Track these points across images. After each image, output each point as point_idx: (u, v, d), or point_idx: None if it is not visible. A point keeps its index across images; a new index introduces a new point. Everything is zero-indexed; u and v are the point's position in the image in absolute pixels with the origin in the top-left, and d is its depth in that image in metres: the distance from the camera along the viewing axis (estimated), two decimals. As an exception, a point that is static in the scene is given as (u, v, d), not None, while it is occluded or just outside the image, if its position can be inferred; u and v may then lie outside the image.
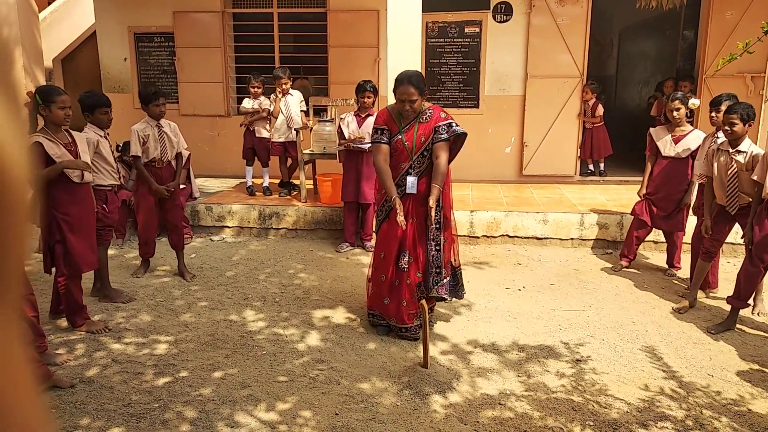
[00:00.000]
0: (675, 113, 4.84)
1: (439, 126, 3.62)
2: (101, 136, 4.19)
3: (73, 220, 3.73)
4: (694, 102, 4.91)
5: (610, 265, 5.33)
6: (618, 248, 5.77)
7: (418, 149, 3.61)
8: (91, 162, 4.05)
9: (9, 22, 6.14)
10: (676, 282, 4.91)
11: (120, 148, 5.74)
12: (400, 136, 3.63)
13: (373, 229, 3.97)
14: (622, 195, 6.92)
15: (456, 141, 3.71)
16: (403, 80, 3.56)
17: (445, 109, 3.85)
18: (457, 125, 3.67)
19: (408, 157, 3.62)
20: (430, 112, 3.67)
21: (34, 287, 3.78)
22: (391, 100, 4.08)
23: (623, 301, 4.51)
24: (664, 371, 3.42)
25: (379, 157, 3.66)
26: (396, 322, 3.70)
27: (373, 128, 3.75)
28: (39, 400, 0.43)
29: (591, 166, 8.11)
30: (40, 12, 6.84)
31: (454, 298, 4.03)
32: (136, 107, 7.82)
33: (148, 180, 4.63)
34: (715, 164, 4.15)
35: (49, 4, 9.91)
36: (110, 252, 4.83)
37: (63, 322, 4.03)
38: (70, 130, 3.79)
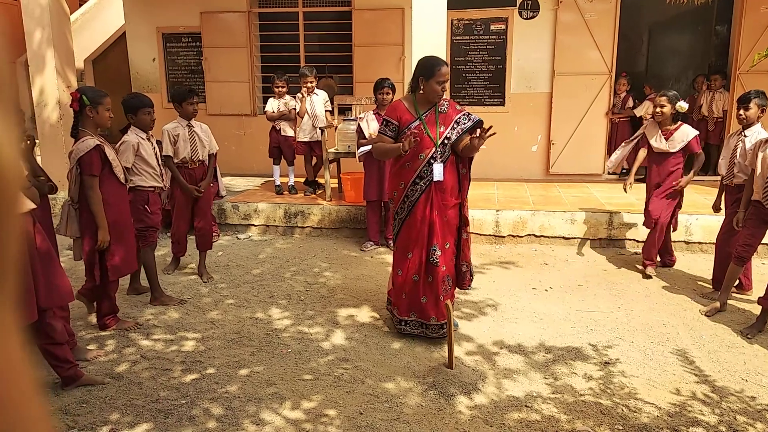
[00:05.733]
0: (658, 110, 4.77)
1: (459, 117, 3.63)
2: (143, 138, 4.22)
3: (121, 222, 3.78)
4: (681, 105, 4.77)
5: (639, 266, 5.23)
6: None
7: (440, 137, 3.59)
8: (133, 165, 4.12)
9: (42, 24, 6.29)
10: (705, 284, 4.79)
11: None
12: (418, 122, 3.60)
13: (394, 234, 3.80)
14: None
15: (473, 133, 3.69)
16: (441, 62, 3.57)
17: (471, 107, 3.84)
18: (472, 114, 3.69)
19: (431, 143, 3.58)
20: (447, 104, 3.68)
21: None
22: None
23: (653, 303, 4.42)
24: (696, 375, 3.34)
25: (379, 144, 3.69)
26: (437, 319, 3.66)
27: (383, 119, 3.74)
28: (38, 396, 0.44)
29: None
30: (71, 14, 6.97)
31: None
32: (164, 107, 7.96)
33: (179, 179, 4.69)
34: (760, 155, 4.00)
35: (80, 6, 10.12)
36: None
37: (94, 319, 4.10)
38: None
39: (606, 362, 3.49)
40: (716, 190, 4.77)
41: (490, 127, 3.41)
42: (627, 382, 3.27)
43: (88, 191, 3.61)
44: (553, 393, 3.16)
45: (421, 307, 3.70)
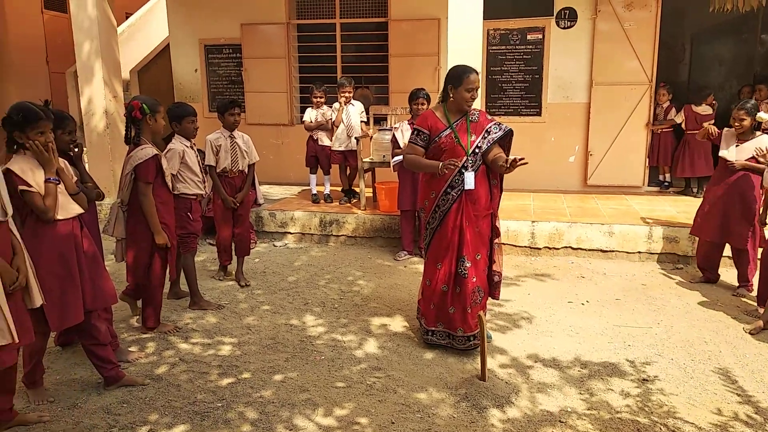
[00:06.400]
0: (737, 124, 4.64)
1: (490, 126, 3.63)
2: (187, 147, 4.36)
3: (170, 227, 3.89)
4: (761, 116, 4.62)
5: (680, 281, 5.10)
6: (690, 263, 5.55)
7: (470, 146, 3.58)
8: (178, 172, 4.24)
9: (91, 36, 6.55)
10: (750, 301, 4.64)
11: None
12: (449, 131, 3.60)
13: (425, 244, 3.81)
14: (694, 207, 6.60)
15: (504, 141, 3.67)
16: (469, 70, 3.59)
17: (507, 117, 3.85)
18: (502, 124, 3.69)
19: (463, 152, 3.58)
20: (477, 113, 3.68)
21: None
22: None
23: (694, 319, 4.30)
24: (738, 395, 3.24)
25: (411, 154, 3.71)
26: (464, 330, 3.65)
27: (414, 128, 3.75)
28: None
29: (662, 176, 7.74)
30: (118, 26, 7.24)
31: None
32: (206, 116, 8.17)
33: (219, 189, 4.81)
34: None
35: (127, 18, 10.48)
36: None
37: (135, 322, 4.23)
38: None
39: (644, 379, 3.42)
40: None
41: (522, 159, 3.39)
42: (666, 401, 3.19)
43: (142, 197, 3.72)
44: (588, 409, 3.11)
45: (448, 318, 3.69)
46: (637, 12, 7.31)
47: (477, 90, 3.59)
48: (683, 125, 7.30)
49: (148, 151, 3.70)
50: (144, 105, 3.71)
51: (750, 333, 4.00)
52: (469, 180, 3.56)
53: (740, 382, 3.37)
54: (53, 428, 2.90)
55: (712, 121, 6.97)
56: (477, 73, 3.60)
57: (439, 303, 3.71)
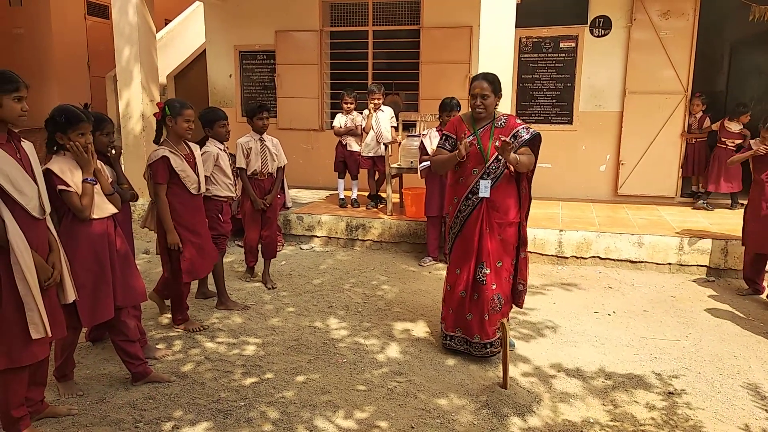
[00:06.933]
0: (766, 145, 4.61)
1: (518, 130, 3.61)
2: (221, 150, 4.48)
3: (190, 228, 3.98)
4: None
5: (711, 293, 4.98)
6: (722, 276, 5.44)
7: (493, 153, 3.58)
8: (211, 174, 4.35)
9: (131, 41, 6.76)
10: (787, 316, 4.51)
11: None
12: (473, 137, 3.61)
13: (447, 249, 3.85)
14: (728, 219, 6.46)
15: (533, 146, 3.64)
16: (478, 76, 3.64)
17: (537, 125, 3.83)
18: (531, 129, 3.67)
19: (482, 160, 3.58)
20: (505, 119, 3.66)
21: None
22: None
23: (724, 333, 4.20)
24: (767, 411, 3.16)
25: (437, 156, 3.77)
26: (481, 337, 3.65)
27: (442, 134, 3.80)
28: None
29: (694, 187, 7.56)
30: (157, 32, 7.44)
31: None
32: (238, 120, 8.33)
33: (249, 191, 4.91)
34: None
35: (165, 25, 10.77)
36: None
37: (164, 320, 4.33)
38: (189, 143, 4.03)
39: (670, 392, 3.35)
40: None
41: (510, 140, 3.43)
42: (692, 415, 3.12)
43: (154, 197, 3.87)
44: (611, 420, 3.07)
45: (466, 324, 3.70)
46: (673, 21, 7.19)
47: (482, 97, 3.56)
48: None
49: (159, 152, 3.80)
50: (166, 107, 3.82)
51: None
52: (485, 188, 3.57)
53: (770, 399, 3.29)
54: (81, 421, 3.00)
55: (740, 141, 6.83)
56: (484, 79, 3.59)
57: (458, 308, 3.72)
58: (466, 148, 3.52)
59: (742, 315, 4.55)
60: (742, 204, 6.71)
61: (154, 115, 3.85)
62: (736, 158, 5.20)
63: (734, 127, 7.05)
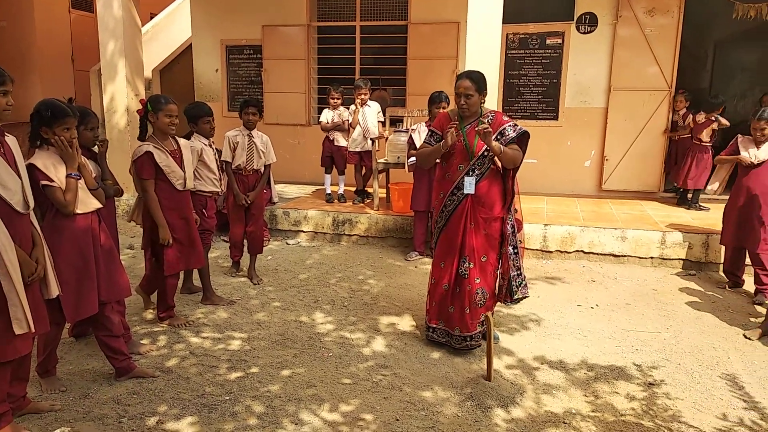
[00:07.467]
0: (759, 134, 4.69)
1: (505, 128, 3.61)
2: (206, 145, 4.47)
3: (174, 223, 3.96)
4: None
5: (692, 287, 5.06)
6: (703, 269, 5.52)
7: (479, 150, 3.60)
8: (195, 170, 4.34)
9: (115, 35, 6.70)
10: (762, 309, 4.58)
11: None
12: (460, 133, 3.63)
13: (433, 243, 3.89)
14: (709, 213, 6.56)
15: (521, 143, 3.66)
16: (462, 75, 3.66)
17: (523, 120, 3.85)
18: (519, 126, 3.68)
19: (467, 158, 3.61)
20: (492, 116, 3.67)
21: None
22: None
23: (704, 325, 4.27)
24: (744, 401, 3.22)
25: (422, 149, 3.81)
26: (461, 330, 3.69)
27: (429, 129, 3.84)
28: None
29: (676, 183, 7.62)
30: (142, 26, 7.39)
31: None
32: (224, 115, 8.30)
33: (232, 185, 4.90)
34: None
35: (151, 18, 10.68)
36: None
37: (148, 315, 4.33)
38: (177, 138, 4.01)
39: (650, 383, 3.41)
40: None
41: (487, 127, 3.43)
42: (671, 405, 3.18)
43: (141, 192, 3.87)
44: (593, 411, 3.12)
45: (448, 316, 3.75)
46: (659, 18, 7.26)
47: (466, 96, 3.57)
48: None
49: (143, 147, 3.79)
50: (148, 103, 3.81)
51: (749, 338, 3.99)
52: (469, 185, 3.60)
53: (747, 388, 3.35)
54: (64, 417, 2.98)
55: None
56: (468, 78, 3.59)
57: (440, 301, 3.76)
58: (452, 137, 3.55)
59: (722, 308, 4.62)
60: (701, 206, 6.81)
61: (138, 111, 3.83)
62: (723, 159, 5.17)
63: (699, 118, 6.94)
